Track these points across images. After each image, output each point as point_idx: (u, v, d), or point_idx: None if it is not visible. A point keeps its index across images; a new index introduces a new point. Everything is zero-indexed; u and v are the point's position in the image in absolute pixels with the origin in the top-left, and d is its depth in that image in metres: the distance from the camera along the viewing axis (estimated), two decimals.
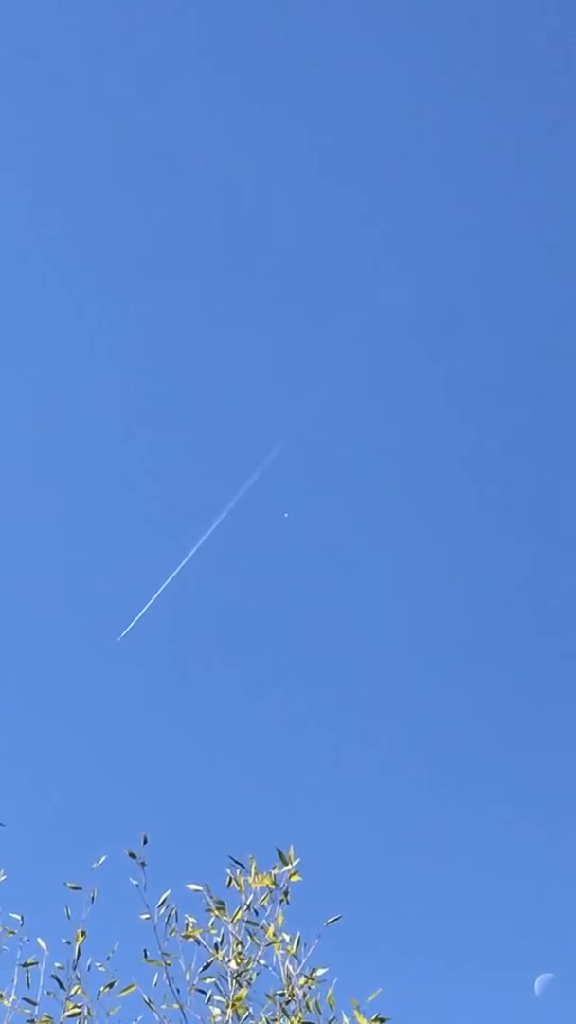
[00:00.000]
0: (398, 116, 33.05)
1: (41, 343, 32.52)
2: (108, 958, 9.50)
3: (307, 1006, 9.71)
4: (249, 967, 9.80)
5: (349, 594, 32.38)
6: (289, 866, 9.94)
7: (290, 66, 32.56)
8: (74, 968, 9.53)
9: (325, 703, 31.47)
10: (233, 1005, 9.63)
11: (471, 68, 33.12)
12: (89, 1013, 9.58)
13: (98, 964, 9.54)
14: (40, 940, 9.43)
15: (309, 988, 9.72)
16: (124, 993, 9.58)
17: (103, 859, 9.67)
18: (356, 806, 29.88)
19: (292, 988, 9.70)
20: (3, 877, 9.38)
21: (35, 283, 32.53)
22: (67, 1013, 9.47)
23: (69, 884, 9.64)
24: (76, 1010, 9.45)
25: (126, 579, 30.62)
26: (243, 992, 9.67)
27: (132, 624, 23.65)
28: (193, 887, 9.99)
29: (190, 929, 9.84)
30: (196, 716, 30.30)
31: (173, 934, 9.77)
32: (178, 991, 9.61)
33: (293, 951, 9.77)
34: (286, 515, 29.60)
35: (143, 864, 9.86)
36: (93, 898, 9.56)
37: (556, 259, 33.58)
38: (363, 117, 32.75)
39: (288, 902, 9.92)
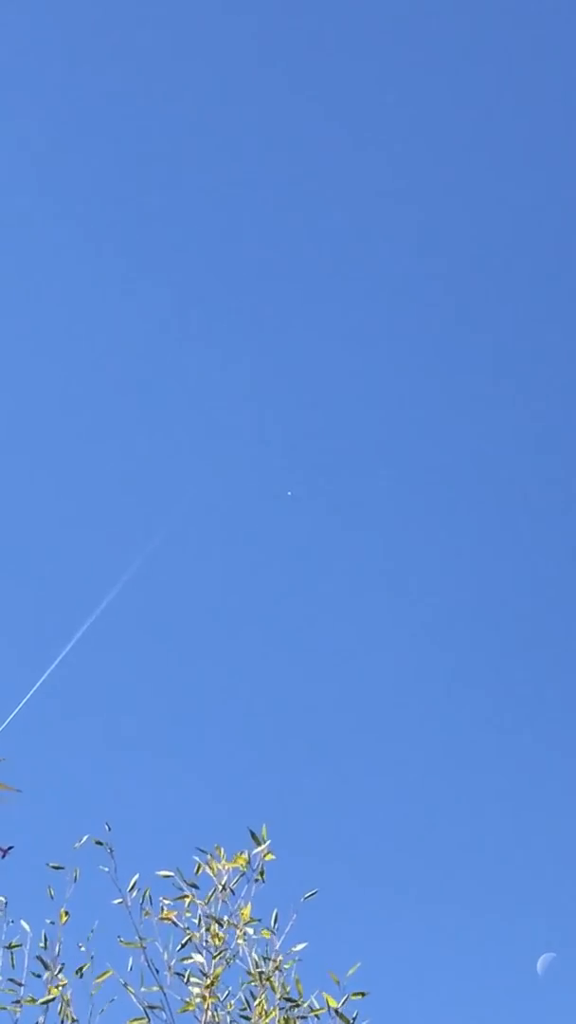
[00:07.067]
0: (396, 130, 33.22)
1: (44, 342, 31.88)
2: (88, 937, 9.45)
3: (273, 988, 9.75)
4: (222, 952, 9.80)
5: (330, 582, 31.99)
6: (262, 846, 10.00)
7: (290, 67, 32.59)
8: (56, 952, 9.45)
9: (294, 681, 31.07)
10: (210, 986, 9.63)
11: (470, 68, 33.42)
12: (64, 999, 9.48)
13: (79, 944, 9.48)
14: (24, 922, 9.35)
15: (283, 969, 9.76)
16: (100, 979, 9.51)
17: (85, 839, 9.64)
18: (344, 786, 29.47)
19: (261, 972, 9.74)
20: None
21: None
22: (44, 998, 9.37)
23: (51, 864, 9.58)
24: (54, 992, 9.36)
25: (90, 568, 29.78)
26: (219, 971, 9.68)
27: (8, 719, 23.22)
28: (163, 873, 9.98)
29: (165, 912, 9.82)
30: (167, 705, 29.71)
31: (148, 916, 9.74)
32: (157, 972, 9.59)
33: (268, 933, 9.80)
34: (289, 493, 29.23)
35: (111, 850, 9.84)
36: (76, 878, 9.52)
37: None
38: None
39: (263, 881, 9.96)
